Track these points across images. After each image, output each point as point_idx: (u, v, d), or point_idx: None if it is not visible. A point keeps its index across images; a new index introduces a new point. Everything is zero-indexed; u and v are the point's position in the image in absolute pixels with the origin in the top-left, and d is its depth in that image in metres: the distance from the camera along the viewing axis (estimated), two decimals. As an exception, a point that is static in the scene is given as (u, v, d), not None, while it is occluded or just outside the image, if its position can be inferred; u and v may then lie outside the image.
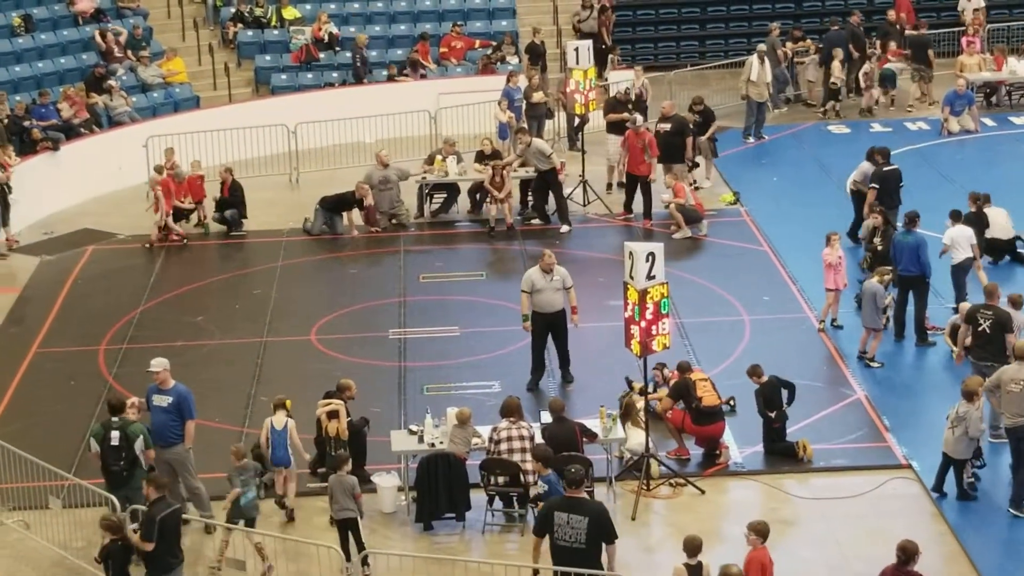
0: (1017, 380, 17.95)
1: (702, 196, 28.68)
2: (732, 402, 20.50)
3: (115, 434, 17.42)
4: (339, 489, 17.18)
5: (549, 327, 21.61)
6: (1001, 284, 21.62)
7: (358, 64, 34.65)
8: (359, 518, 17.21)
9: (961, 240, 23.25)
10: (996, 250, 25.36)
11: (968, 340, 20.28)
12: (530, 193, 28.81)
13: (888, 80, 35.80)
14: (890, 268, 22.44)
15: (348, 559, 16.89)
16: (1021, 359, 18.15)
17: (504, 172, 28.02)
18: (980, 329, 20.05)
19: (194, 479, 17.92)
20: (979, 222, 24.60)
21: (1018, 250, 25.61)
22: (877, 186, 25.62)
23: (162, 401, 17.77)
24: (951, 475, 18.36)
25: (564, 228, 28.10)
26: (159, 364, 17.92)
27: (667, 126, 29.02)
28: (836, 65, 35.22)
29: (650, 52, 40.01)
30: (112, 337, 24.00)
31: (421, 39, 35.81)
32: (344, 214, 28.43)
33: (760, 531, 15.35)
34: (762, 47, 33.87)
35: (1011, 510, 17.98)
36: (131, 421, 17.52)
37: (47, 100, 31.13)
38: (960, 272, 23.27)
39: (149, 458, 17.48)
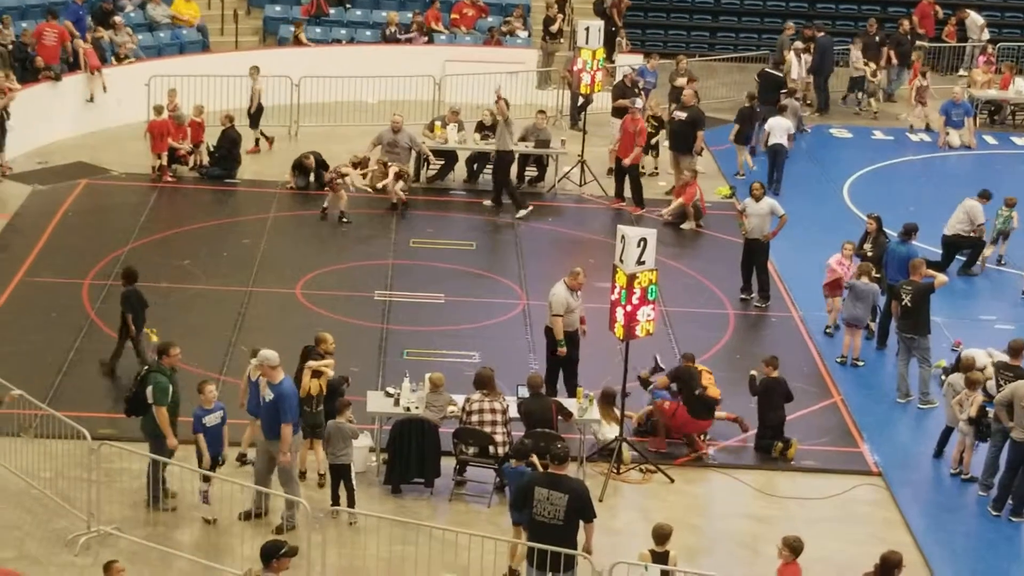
0: None
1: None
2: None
3: (143, 371, 17.46)
4: (337, 435, 17.42)
5: (569, 346, 20.44)
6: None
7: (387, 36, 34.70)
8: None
9: (778, 129, 29.18)
10: (947, 247, 25.64)
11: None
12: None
13: (858, 84, 35.98)
14: (872, 267, 22.60)
15: (336, 504, 17.21)
16: None
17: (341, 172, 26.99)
18: (903, 304, 20.98)
19: (292, 479, 17.09)
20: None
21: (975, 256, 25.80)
22: (738, 125, 30.45)
23: (269, 395, 17.10)
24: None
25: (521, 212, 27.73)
26: (270, 359, 16.99)
27: (683, 115, 28.76)
28: (856, 54, 35.40)
29: (660, 39, 39.93)
30: (98, 273, 23.98)
31: (432, 4, 35.70)
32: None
33: (793, 547, 15.16)
34: (799, 45, 34.81)
35: (1012, 518, 18.23)
36: (159, 369, 17.27)
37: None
38: (772, 153, 28.97)
39: (158, 415, 17.02)
